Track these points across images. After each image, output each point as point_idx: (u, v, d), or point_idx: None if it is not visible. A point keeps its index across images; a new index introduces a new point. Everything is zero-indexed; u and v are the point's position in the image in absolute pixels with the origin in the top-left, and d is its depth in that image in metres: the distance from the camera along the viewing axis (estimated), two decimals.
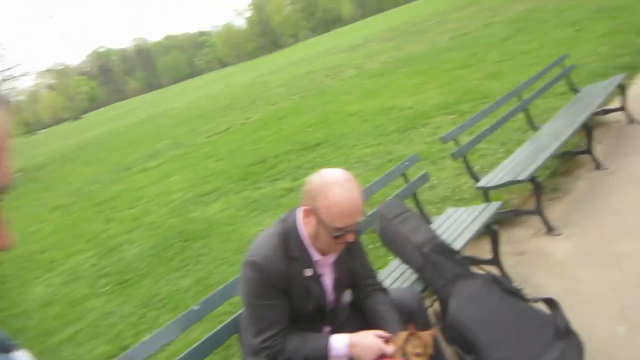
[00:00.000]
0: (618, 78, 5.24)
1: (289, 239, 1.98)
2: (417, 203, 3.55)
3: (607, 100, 5.21)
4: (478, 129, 4.66)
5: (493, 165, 5.12)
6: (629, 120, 5.19)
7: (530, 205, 3.96)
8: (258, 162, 8.70)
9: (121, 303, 4.87)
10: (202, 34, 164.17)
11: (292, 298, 2.00)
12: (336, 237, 1.89)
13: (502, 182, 3.70)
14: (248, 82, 29.07)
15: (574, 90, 5.79)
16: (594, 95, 5.02)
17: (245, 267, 1.98)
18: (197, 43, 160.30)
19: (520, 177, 3.59)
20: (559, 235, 3.61)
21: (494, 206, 3.24)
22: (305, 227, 2.01)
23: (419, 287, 2.63)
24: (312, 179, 1.92)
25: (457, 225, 3.19)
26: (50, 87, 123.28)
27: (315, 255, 2.03)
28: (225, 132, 13.53)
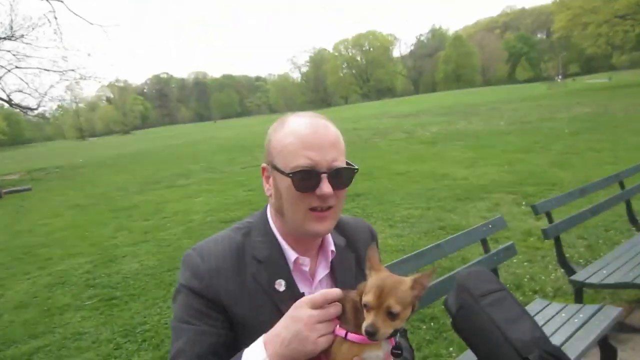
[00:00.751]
0: None
1: (250, 234, 1.32)
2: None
3: None
4: (571, 210, 3.81)
5: (586, 258, 4.25)
6: None
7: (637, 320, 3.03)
8: None
9: (100, 324, 4.05)
10: (258, 78, 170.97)
11: (246, 331, 1.21)
12: (302, 191, 1.22)
13: (611, 281, 2.80)
14: None
15: None
16: None
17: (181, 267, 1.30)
18: (252, 86, 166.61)
19: (638, 281, 2.69)
20: None
21: (611, 312, 2.35)
22: (271, 211, 1.34)
23: None
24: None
25: (553, 328, 2.30)
26: (109, 100, 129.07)
27: (291, 253, 1.29)
28: None
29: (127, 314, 4.18)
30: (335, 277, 1.36)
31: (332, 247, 1.37)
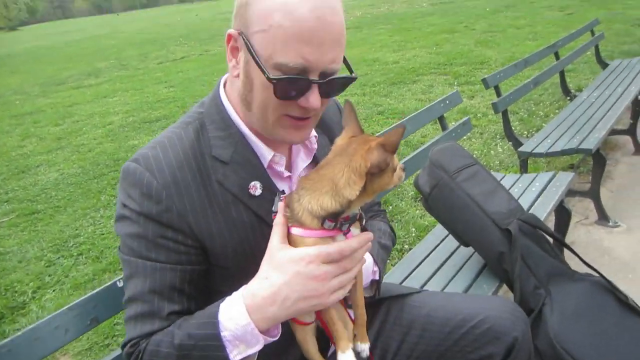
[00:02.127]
0: None
1: (204, 128, 1.01)
2: None
3: None
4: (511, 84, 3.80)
5: (529, 129, 4.36)
6: None
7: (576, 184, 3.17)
8: None
9: (24, 241, 3.66)
10: None
11: (222, 254, 0.98)
12: (283, 99, 0.91)
13: (557, 149, 2.85)
14: (209, 17, 26.90)
15: (601, 61, 5.05)
16: (634, 70, 4.29)
17: (119, 182, 0.99)
18: None
19: (584, 146, 2.75)
20: (616, 226, 2.85)
21: (565, 177, 2.38)
22: (232, 94, 1.02)
23: (512, 301, 1.72)
24: None
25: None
26: None
27: (265, 150, 1.02)
28: (181, 61, 12.02)
29: (55, 227, 3.80)
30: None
31: (315, 132, 1.11)
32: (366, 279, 1.14)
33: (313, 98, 0.90)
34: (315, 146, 1.12)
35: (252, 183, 0.99)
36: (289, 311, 0.87)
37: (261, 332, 0.87)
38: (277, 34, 0.85)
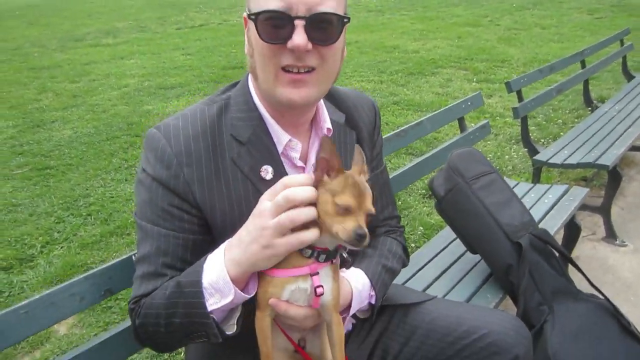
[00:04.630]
0: None
1: (228, 108, 1.07)
2: None
3: None
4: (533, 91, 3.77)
5: (545, 136, 4.33)
6: None
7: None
8: (234, 67, 7.46)
9: (36, 196, 3.71)
10: None
11: (225, 228, 1.02)
12: (268, 41, 0.95)
13: (573, 161, 2.84)
14: None
15: (627, 72, 4.99)
16: None
17: (143, 148, 1.05)
18: None
19: (601, 162, 2.74)
20: (623, 246, 2.85)
21: (579, 193, 2.38)
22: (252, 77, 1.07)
23: (515, 316, 1.74)
24: None
25: None
26: None
27: (282, 135, 1.06)
28: (199, 28, 11.88)
29: (66, 185, 3.85)
30: None
31: (328, 124, 1.13)
32: (362, 302, 1.15)
33: (298, 37, 0.92)
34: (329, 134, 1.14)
35: (264, 167, 1.04)
36: (246, 255, 0.89)
37: (233, 280, 0.90)
38: None
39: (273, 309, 0.95)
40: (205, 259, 0.95)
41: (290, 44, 0.93)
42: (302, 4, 0.91)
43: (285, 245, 0.86)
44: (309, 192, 0.86)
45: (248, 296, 0.93)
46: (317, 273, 0.93)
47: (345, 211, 0.86)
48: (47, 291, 1.17)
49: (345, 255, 1.03)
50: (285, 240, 0.86)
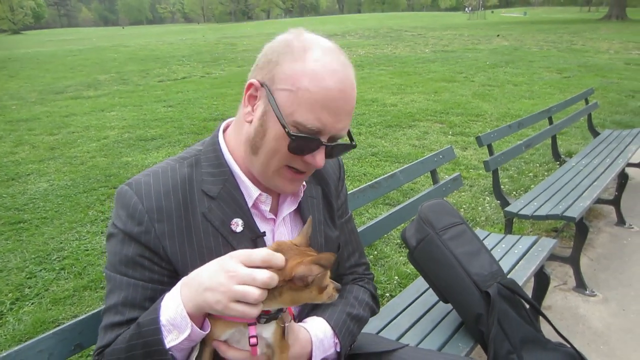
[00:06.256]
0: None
1: (199, 164, 1.10)
2: None
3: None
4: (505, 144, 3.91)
5: (517, 188, 4.48)
6: None
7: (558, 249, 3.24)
8: (215, 119, 7.59)
9: (7, 250, 3.63)
10: None
11: None
12: (294, 154, 1.02)
13: (542, 213, 2.93)
14: (213, 40, 27.25)
15: (592, 129, 5.23)
16: (623, 142, 4.45)
17: (114, 202, 1.09)
18: None
19: (568, 214, 2.83)
20: (592, 296, 2.91)
21: (547, 243, 2.45)
22: (235, 137, 1.11)
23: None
24: (277, 38, 1.06)
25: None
26: None
27: (252, 190, 1.09)
28: (182, 81, 12.11)
29: (40, 239, 3.78)
30: (301, 215, 1.20)
31: (304, 182, 1.18)
32: (326, 351, 1.15)
33: (319, 157, 1.02)
34: (302, 194, 1.19)
35: (234, 220, 1.07)
36: (200, 297, 0.89)
37: (190, 316, 0.91)
38: (302, 97, 0.96)
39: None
40: (163, 297, 0.96)
41: (311, 160, 1.02)
42: (332, 130, 1.00)
43: (235, 312, 0.87)
44: (274, 281, 0.88)
45: (204, 333, 0.94)
46: (255, 323, 0.95)
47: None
48: (14, 349, 1.14)
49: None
50: (236, 308, 0.86)
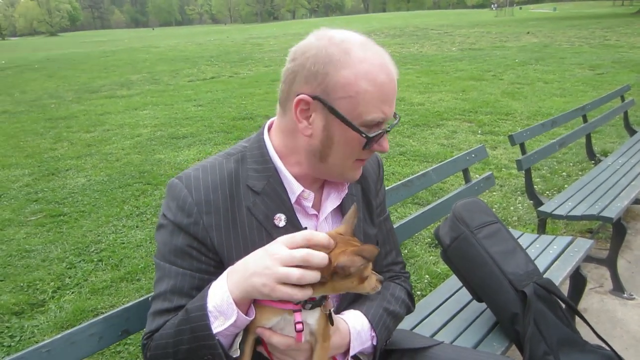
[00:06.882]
0: None
1: (244, 160, 1.14)
2: None
3: None
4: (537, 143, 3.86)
5: (550, 188, 4.41)
6: None
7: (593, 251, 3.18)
8: (244, 118, 7.69)
9: (49, 242, 3.79)
10: None
11: None
12: (369, 149, 1.09)
13: (577, 213, 2.89)
14: (240, 41, 27.56)
15: (629, 127, 5.10)
16: None
17: (165, 194, 1.14)
18: None
19: (605, 214, 2.79)
20: (630, 299, 2.85)
21: (584, 244, 2.41)
22: (283, 139, 1.13)
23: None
24: (305, 44, 1.06)
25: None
26: None
27: (295, 186, 1.12)
28: (210, 81, 12.31)
29: (79, 231, 3.93)
30: (342, 213, 1.22)
31: None
32: (364, 343, 1.18)
33: (386, 143, 1.10)
34: (346, 191, 1.22)
35: (278, 215, 1.11)
36: (247, 282, 0.93)
37: (236, 303, 0.95)
38: (364, 99, 1.01)
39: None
40: (210, 285, 1.00)
41: (378, 148, 1.09)
42: (390, 116, 1.07)
43: (281, 293, 0.90)
44: (323, 260, 0.91)
45: (249, 319, 0.98)
46: (300, 310, 0.98)
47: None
48: (68, 331, 1.22)
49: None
50: (283, 290, 0.89)
